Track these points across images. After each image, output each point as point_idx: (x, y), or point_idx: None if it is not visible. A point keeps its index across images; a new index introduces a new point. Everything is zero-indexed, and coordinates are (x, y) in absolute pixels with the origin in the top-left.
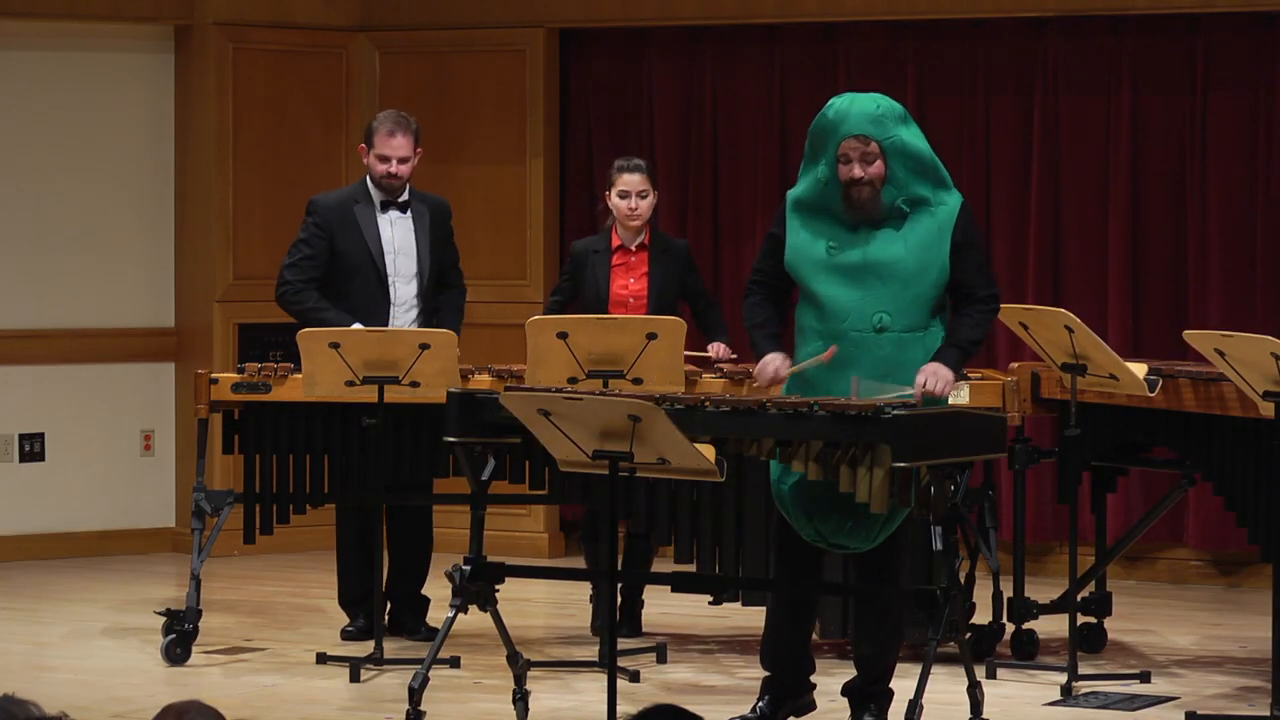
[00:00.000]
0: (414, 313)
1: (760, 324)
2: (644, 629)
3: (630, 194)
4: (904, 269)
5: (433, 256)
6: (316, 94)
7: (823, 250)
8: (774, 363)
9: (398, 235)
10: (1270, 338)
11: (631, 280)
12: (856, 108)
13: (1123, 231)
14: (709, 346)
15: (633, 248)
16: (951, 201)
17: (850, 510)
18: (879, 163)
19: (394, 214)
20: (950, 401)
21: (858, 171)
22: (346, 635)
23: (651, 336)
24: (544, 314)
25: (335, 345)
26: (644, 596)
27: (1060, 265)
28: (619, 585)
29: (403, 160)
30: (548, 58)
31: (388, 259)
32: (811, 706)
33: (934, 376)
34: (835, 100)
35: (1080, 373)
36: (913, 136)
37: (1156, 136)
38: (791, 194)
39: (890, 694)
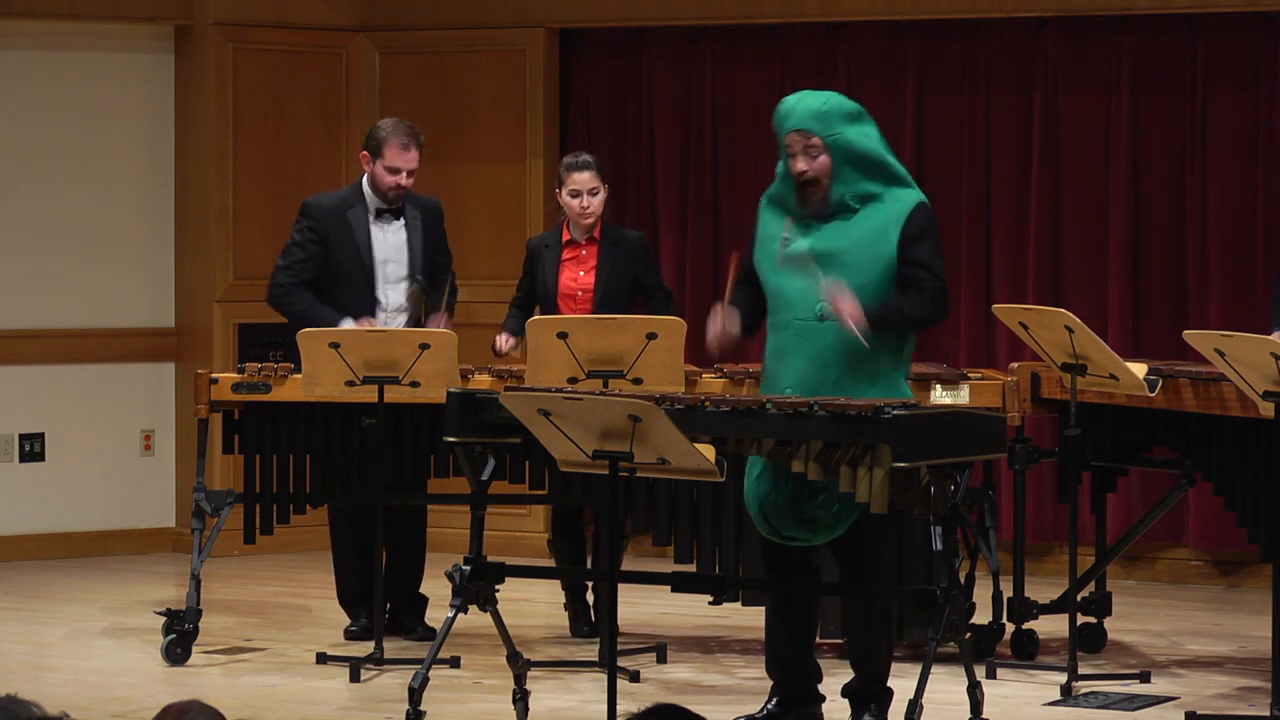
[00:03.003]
0: (403, 317)
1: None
2: (644, 629)
3: (581, 192)
4: (848, 260)
5: (425, 259)
6: (316, 94)
7: (777, 243)
8: (714, 320)
9: (390, 241)
10: (1270, 338)
11: (581, 273)
12: (802, 104)
13: (1123, 231)
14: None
15: (582, 241)
16: (907, 198)
17: (796, 503)
18: (823, 158)
19: (388, 220)
20: (948, 401)
21: (802, 165)
22: (350, 635)
23: (651, 336)
24: (506, 316)
25: (335, 345)
26: (643, 597)
27: (1060, 265)
28: (590, 585)
29: (412, 173)
30: (548, 58)
31: (378, 265)
32: (819, 718)
33: (846, 297)
34: (788, 97)
35: (1080, 373)
36: (861, 135)
37: (1156, 136)
38: (766, 191)
39: (890, 693)
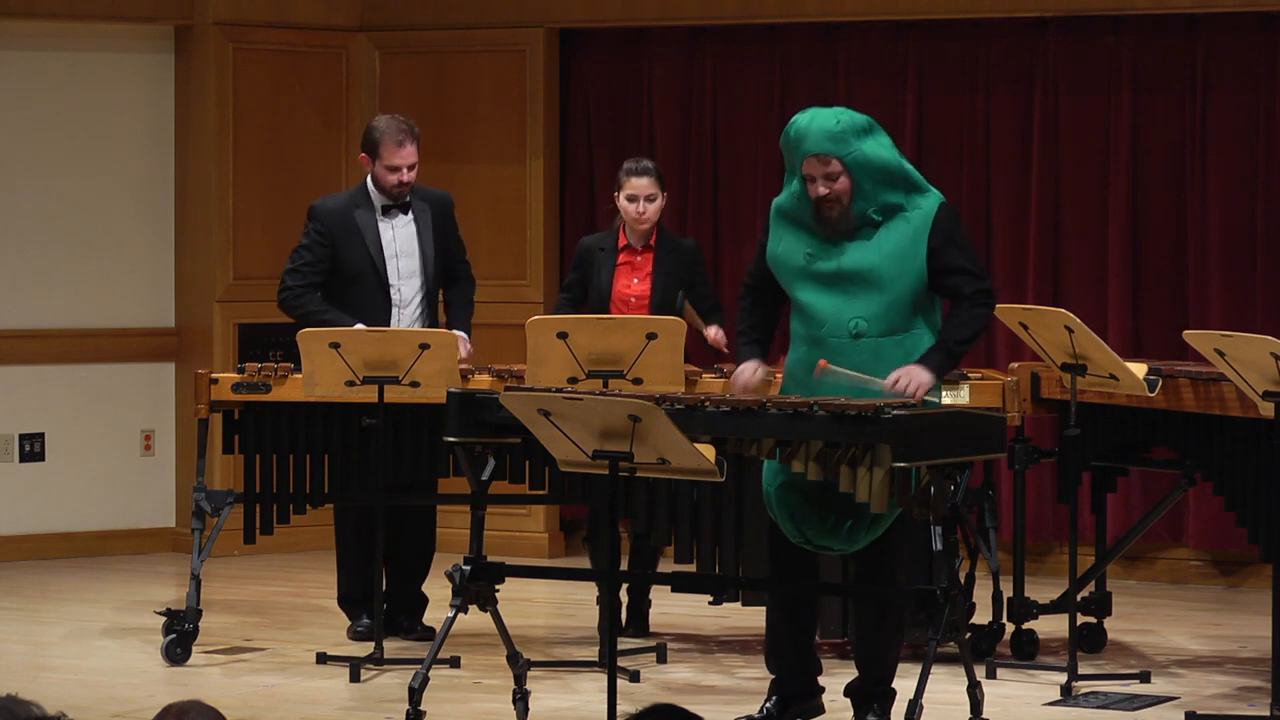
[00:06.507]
0: (418, 312)
1: (745, 330)
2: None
3: (639, 198)
4: (879, 276)
5: (436, 252)
6: (316, 94)
7: (801, 258)
8: (746, 372)
9: (399, 238)
10: (1270, 338)
11: (635, 280)
12: (816, 125)
13: (1123, 231)
14: (706, 328)
15: (639, 247)
16: (927, 204)
17: (832, 512)
18: (843, 179)
19: (395, 216)
20: (948, 401)
21: (823, 189)
22: (357, 635)
23: (651, 336)
24: (555, 311)
25: (335, 345)
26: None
27: (1060, 265)
28: (624, 586)
29: (412, 168)
30: (548, 58)
31: (389, 263)
32: (820, 710)
33: (907, 376)
34: (798, 117)
35: (1080, 373)
36: (877, 148)
37: (1156, 136)
38: (776, 201)
39: (893, 693)
